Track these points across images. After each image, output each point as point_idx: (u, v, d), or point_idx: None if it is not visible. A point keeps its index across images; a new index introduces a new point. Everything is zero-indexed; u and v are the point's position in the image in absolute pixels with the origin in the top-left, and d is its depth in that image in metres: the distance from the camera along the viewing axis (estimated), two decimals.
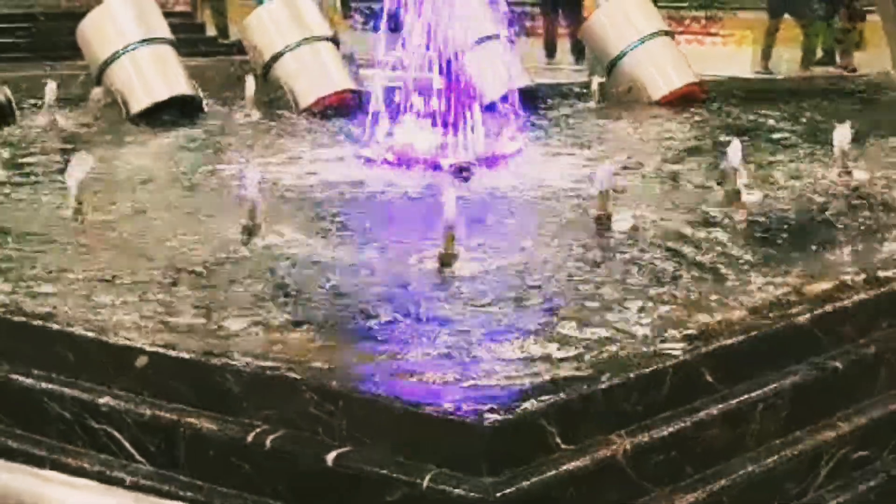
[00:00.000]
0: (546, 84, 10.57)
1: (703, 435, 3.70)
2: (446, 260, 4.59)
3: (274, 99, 8.73)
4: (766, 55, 17.02)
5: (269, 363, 3.71)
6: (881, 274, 4.67)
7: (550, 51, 17.48)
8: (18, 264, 4.74)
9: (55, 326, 4.08)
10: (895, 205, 5.91)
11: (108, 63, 8.34)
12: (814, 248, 5.10)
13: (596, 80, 9.62)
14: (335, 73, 8.94)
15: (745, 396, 3.84)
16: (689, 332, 3.96)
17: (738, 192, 5.80)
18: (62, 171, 5.74)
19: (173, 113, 8.30)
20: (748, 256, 4.91)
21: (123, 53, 8.33)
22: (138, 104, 8.27)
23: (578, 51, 15.63)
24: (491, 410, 3.35)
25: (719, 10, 19.56)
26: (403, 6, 7.24)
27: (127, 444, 3.75)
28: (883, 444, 4.15)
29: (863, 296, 4.45)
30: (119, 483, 3.66)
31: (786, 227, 5.43)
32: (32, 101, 8.33)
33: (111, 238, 5.17)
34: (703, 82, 9.61)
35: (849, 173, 6.32)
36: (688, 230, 5.29)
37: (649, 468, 3.55)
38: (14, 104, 8.23)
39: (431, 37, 8.77)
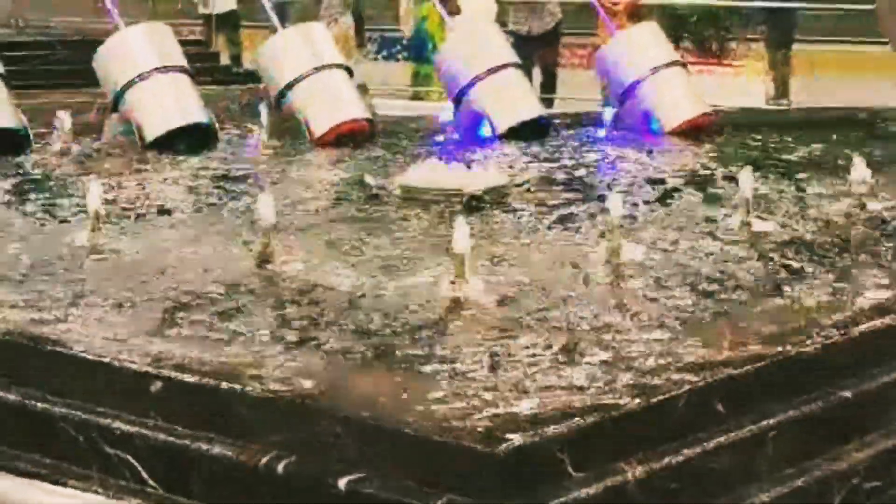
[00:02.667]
0: (558, 113, 10.61)
1: (713, 463, 3.71)
2: (454, 284, 4.61)
3: (288, 127, 8.75)
4: (785, 92, 16.68)
5: (281, 388, 3.73)
6: (892, 305, 4.68)
7: None
8: (34, 288, 4.77)
9: (70, 351, 4.11)
10: None
11: (123, 90, 8.37)
12: (825, 277, 5.10)
13: (609, 110, 9.64)
14: (349, 102, 8.95)
15: (756, 425, 3.85)
16: (700, 361, 3.97)
17: (749, 222, 5.80)
18: (77, 197, 5.78)
19: (188, 141, 8.32)
20: (758, 286, 4.92)
21: (139, 81, 8.37)
22: (153, 131, 8.30)
23: (547, 81, 15.46)
24: (503, 437, 3.37)
25: (732, 40, 19.59)
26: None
27: (140, 469, 3.77)
28: None
29: (874, 325, 4.46)
30: None
31: (797, 256, 5.44)
32: (48, 128, 8.36)
33: (126, 263, 5.20)
34: (713, 112, 9.62)
35: (862, 204, 6.33)
36: (698, 260, 5.30)
37: (660, 496, 3.56)
38: (30, 131, 8.28)
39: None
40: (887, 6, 11.84)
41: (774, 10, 16.76)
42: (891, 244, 5.66)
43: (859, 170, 6.39)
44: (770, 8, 16.84)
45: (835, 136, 8.88)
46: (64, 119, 8.15)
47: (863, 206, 6.31)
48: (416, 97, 16.63)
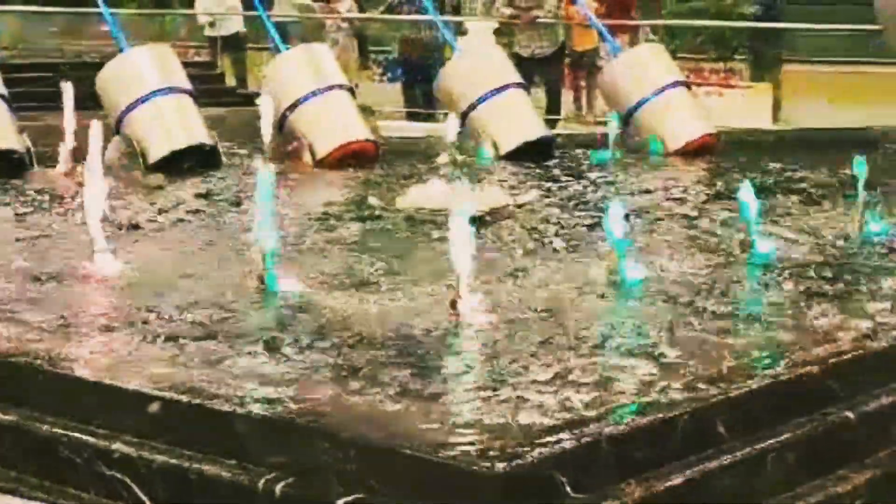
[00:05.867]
0: (562, 134, 10.62)
1: (714, 485, 3.69)
2: (454, 304, 4.61)
3: (291, 149, 8.75)
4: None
5: (279, 409, 3.72)
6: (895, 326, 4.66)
7: None
8: (33, 308, 4.76)
9: (67, 371, 4.10)
10: None
11: (126, 112, 8.38)
12: (827, 298, 5.08)
13: (613, 128, 9.62)
14: (352, 123, 8.96)
15: (757, 446, 3.83)
16: (701, 381, 3.95)
17: (752, 243, 5.79)
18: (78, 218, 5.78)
19: (191, 162, 8.33)
20: (761, 306, 4.91)
21: (142, 102, 8.38)
22: (156, 153, 8.31)
23: (551, 101, 15.44)
24: (500, 458, 3.35)
25: (739, 61, 19.58)
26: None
27: (138, 491, 3.75)
28: None
29: (877, 346, 4.44)
30: None
31: (799, 277, 5.42)
32: (51, 149, 8.37)
33: (125, 283, 5.19)
34: (718, 133, 9.62)
35: (864, 224, 6.31)
36: (701, 279, 5.28)
37: None
38: (33, 152, 8.29)
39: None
40: (891, 20, 11.87)
41: (759, 30, 16.81)
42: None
43: None
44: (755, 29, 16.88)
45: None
46: (67, 141, 8.16)
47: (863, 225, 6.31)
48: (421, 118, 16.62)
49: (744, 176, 7.45)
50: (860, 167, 6.20)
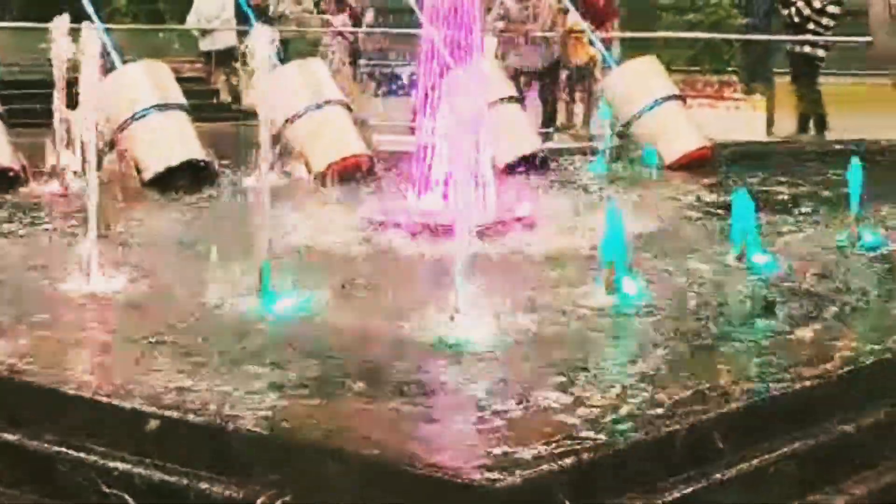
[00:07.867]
0: (557, 148, 10.62)
1: (714, 498, 3.69)
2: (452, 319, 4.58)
3: (288, 163, 8.73)
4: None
5: (277, 426, 3.71)
6: (892, 339, 4.66)
7: None
8: (31, 327, 4.76)
9: (67, 390, 4.10)
10: None
11: (121, 128, 8.37)
12: (825, 312, 5.08)
13: (608, 141, 9.61)
14: (348, 138, 8.95)
15: (756, 460, 3.82)
16: (701, 395, 3.95)
17: (746, 256, 5.79)
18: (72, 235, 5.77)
19: (186, 177, 8.32)
20: (758, 321, 4.90)
21: (137, 119, 8.37)
22: (152, 169, 8.30)
23: (548, 115, 15.42)
24: (502, 473, 3.35)
25: (733, 74, 19.56)
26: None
27: None
28: None
29: (874, 361, 4.44)
30: None
31: (796, 291, 5.42)
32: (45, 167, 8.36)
33: (122, 301, 5.19)
34: (713, 146, 9.63)
35: (859, 237, 6.32)
36: (697, 295, 5.28)
37: None
38: (28, 169, 8.28)
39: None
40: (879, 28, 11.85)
41: (747, 42, 16.81)
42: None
43: None
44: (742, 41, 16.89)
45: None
46: (64, 156, 8.16)
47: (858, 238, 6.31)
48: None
49: (738, 189, 7.46)
50: (854, 179, 6.21)
